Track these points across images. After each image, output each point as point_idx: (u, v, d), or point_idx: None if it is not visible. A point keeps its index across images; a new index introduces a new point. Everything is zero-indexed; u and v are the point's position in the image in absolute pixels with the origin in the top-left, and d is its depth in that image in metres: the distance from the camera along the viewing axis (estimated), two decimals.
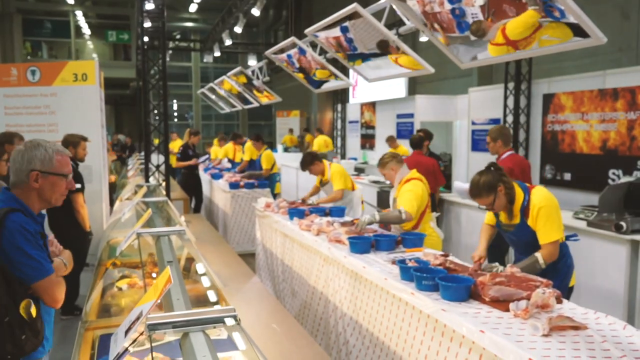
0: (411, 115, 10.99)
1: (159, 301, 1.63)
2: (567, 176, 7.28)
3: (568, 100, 7.19)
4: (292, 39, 5.44)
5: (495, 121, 8.63)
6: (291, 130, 17.45)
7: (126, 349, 1.60)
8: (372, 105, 12.65)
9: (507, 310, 2.43)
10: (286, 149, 15.52)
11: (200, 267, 2.79)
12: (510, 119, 8.11)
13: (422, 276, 2.73)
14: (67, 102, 5.45)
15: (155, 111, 6.61)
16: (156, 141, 7.35)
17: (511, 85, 8.09)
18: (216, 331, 2.70)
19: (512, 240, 3.28)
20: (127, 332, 1.69)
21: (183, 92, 26.11)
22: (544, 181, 7.69)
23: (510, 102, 8.10)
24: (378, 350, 3.13)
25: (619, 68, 7.34)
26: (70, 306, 4.89)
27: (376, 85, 12.71)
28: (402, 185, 4.12)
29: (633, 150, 6.28)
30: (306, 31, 4.62)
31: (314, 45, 5.60)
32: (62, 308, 4.86)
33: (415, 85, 14.09)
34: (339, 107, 14.69)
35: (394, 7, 4.14)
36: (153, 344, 2.23)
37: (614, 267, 4.25)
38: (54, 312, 2.24)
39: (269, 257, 5.33)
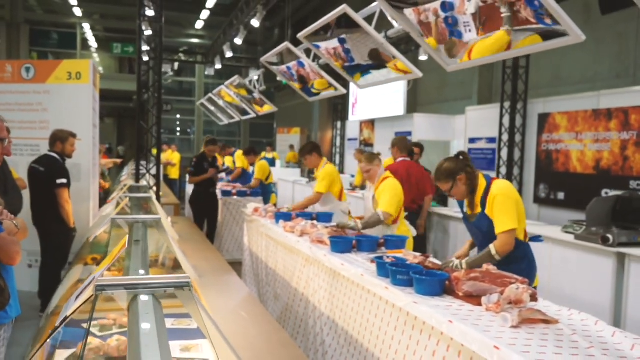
0: (409, 134, 11.00)
1: (111, 263, 1.59)
2: (561, 195, 7.25)
3: (563, 120, 7.20)
4: (286, 44, 5.47)
5: (491, 140, 8.64)
6: (292, 147, 17.49)
7: (73, 313, 1.57)
8: (372, 123, 12.69)
9: (480, 305, 2.38)
10: (288, 164, 15.61)
11: (173, 255, 2.75)
12: (505, 137, 8.12)
13: (397, 270, 2.69)
14: (60, 100, 5.47)
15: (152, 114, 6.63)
16: (154, 151, 7.37)
17: (507, 104, 8.12)
18: (186, 321, 2.67)
19: (472, 232, 3.25)
20: (78, 297, 1.66)
21: (186, 107, 26.27)
22: (537, 200, 7.66)
23: (506, 121, 8.12)
24: (352, 349, 3.06)
25: (613, 89, 7.36)
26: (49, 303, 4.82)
27: (375, 103, 12.79)
28: (379, 184, 4.19)
29: (626, 170, 6.26)
30: (299, 35, 4.65)
31: (308, 53, 5.62)
32: (42, 305, 4.80)
33: (415, 106, 14.16)
34: (339, 124, 14.74)
35: (392, 18, 4.17)
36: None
37: (601, 279, 4.19)
38: (13, 274, 2.21)
39: (255, 262, 5.27)
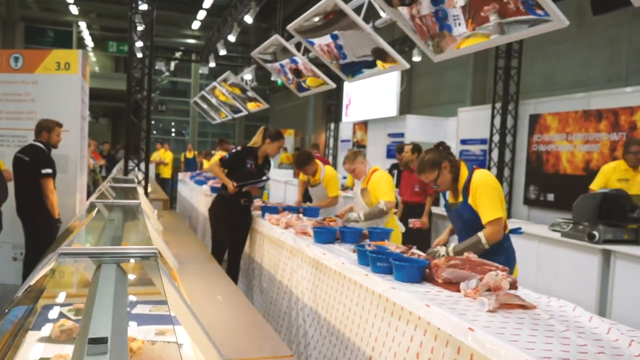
0: (402, 135, 11.01)
1: (76, 233, 1.56)
2: (550, 197, 7.24)
3: (553, 121, 7.21)
4: (276, 37, 5.45)
5: (483, 141, 8.64)
6: (285, 149, 17.46)
7: (36, 282, 1.53)
8: (364, 125, 12.69)
9: (459, 291, 2.36)
10: (280, 165, 15.55)
11: (151, 237, 2.72)
12: (496, 138, 8.12)
13: (377, 257, 2.67)
14: (48, 91, 5.43)
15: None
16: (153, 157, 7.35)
17: (499, 105, 8.12)
18: (164, 307, 2.63)
19: (453, 219, 3.23)
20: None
21: (182, 108, 26.22)
22: (527, 202, 7.65)
23: (497, 122, 8.12)
24: (334, 339, 3.03)
25: (604, 90, 7.39)
26: None
27: (368, 104, 12.80)
28: (370, 176, 4.15)
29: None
30: (288, 27, 4.64)
31: (298, 47, 5.61)
32: None
33: (410, 110, 14.18)
34: (332, 125, 14.74)
35: (383, 10, 4.16)
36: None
37: (587, 276, 4.18)
38: None
39: (242, 257, 5.23)
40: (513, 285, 2.46)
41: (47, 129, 4.71)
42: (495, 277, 2.35)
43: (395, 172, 7.06)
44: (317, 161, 5.48)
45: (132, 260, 1.55)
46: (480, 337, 1.82)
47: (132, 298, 2.62)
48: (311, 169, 5.39)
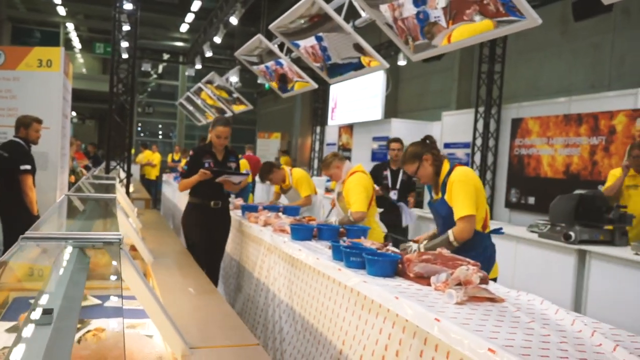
0: (386, 139, 11.05)
1: (41, 219, 1.56)
2: (531, 200, 7.31)
3: (535, 125, 7.29)
4: (259, 36, 5.46)
5: (466, 145, 8.71)
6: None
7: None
8: (350, 128, 12.73)
9: (430, 285, 2.38)
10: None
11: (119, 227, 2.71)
12: (479, 142, 8.19)
13: (350, 252, 2.68)
14: (30, 88, 5.40)
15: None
16: (133, 151, 7.32)
17: (482, 109, 8.20)
18: (136, 302, 2.63)
19: (434, 216, 3.26)
20: None
21: (169, 111, 26.13)
22: (509, 205, 7.72)
23: (480, 125, 8.19)
24: (308, 334, 3.04)
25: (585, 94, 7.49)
26: None
27: (354, 108, 12.85)
28: (347, 179, 4.13)
29: (594, 175, 6.34)
30: (270, 27, 4.65)
31: (281, 48, 5.63)
32: None
33: (396, 114, 14.25)
34: (318, 129, 14.77)
35: (366, 13, 4.20)
36: None
37: (562, 276, 4.23)
38: None
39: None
40: (484, 280, 2.48)
41: (24, 124, 4.68)
42: (465, 271, 2.37)
43: (388, 172, 6.29)
44: (284, 167, 5.61)
45: (95, 245, 1.55)
46: (445, 328, 1.83)
47: (105, 292, 2.61)
48: (277, 178, 5.47)
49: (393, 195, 5.87)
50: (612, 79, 9.11)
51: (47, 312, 0.86)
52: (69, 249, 1.49)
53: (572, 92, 9.48)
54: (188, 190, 4.25)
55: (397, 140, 6.36)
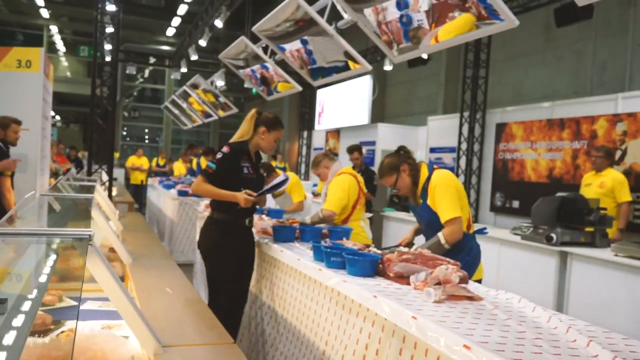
0: (373, 143, 11.09)
1: (8, 215, 1.53)
2: (516, 203, 7.36)
3: (519, 130, 7.34)
4: (242, 38, 5.45)
5: (452, 149, 8.75)
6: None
7: None
8: (337, 132, 12.74)
9: (409, 284, 2.37)
10: None
11: (103, 232, 2.67)
12: (464, 146, 8.23)
13: (331, 252, 2.66)
14: (8, 88, 5.32)
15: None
16: (117, 155, 7.25)
17: (467, 114, 8.25)
18: (111, 303, 2.59)
19: (419, 221, 3.26)
20: None
21: (155, 115, 25.98)
22: (493, 209, 7.76)
23: (465, 130, 8.24)
24: (290, 336, 3.01)
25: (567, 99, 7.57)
26: None
27: (341, 112, 12.88)
28: (333, 179, 4.13)
29: (577, 179, 6.38)
30: (253, 28, 4.64)
31: (265, 50, 5.62)
32: None
33: (383, 119, 14.30)
34: (305, 133, 14.77)
35: (348, 14, 4.19)
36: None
37: (544, 277, 4.25)
38: None
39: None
40: (463, 280, 2.48)
41: (2, 125, 4.61)
42: (445, 270, 2.37)
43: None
44: (278, 172, 5.47)
45: (63, 241, 1.52)
46: (422, 325, 1.82)
47: (81, 294, 2.57)
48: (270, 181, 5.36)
49: None
50: (594, 85, 9.22)
51: (1, 302, 0.83)
52: (37, 246, 1.46)
53: (556, 98, 9.58)
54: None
55: (357, 148, 6.61)
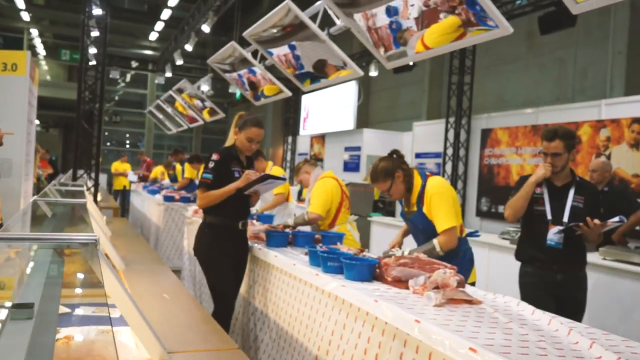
0: (358, 149, 11.13)
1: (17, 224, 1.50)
2: (501, 208, 7.43)
3: (504, 135, 7.43)
4: (232, 43, 5.44)
5: (437, 154, 8.82)
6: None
7: None
8: (322, 138, 12.77)
9: (407, 289, 2.38)
10: None
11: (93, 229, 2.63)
12: (450, 152, 8.30)
13: (328, 257, 2.66)
14: None
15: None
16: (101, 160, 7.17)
17: (452, 119, 8.33)
18: (113, 310, 2.56)
19: (411, 229, 3.28)
20: None
21: (137, 120, 25.74)
22: (479, 214, 7.83)
23: (451, 135, 8.32)
24: (283, 342, 3.00)
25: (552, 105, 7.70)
26: None
27: (326, 118, 12.90)
28: (315, 184, 4.15)
29: None
30: (244, 34, 4.64)
31: (255, 55, 5.62)
32: None
33: (367, 125, 14.38)
34: (290, 139, 14.76)
35: (341, 20, 4.22)
36: None
37: None
38: None
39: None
40: (461, 284, 2.50)
41: None
42: (443, 274, 2.39)
43: None
44: (269, 162, 5.55)
45: (70, 246, 1.50)
46: (426, 329, 1.84)
47: (76, 300, 2.53)
48: (259, 167, 5.33)
49: None
50: (576, 92, 9.40)
51: (26, 306, 0.82)
52: (43, 251, 1.44)
53: (539, 105, 9.73)
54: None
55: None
